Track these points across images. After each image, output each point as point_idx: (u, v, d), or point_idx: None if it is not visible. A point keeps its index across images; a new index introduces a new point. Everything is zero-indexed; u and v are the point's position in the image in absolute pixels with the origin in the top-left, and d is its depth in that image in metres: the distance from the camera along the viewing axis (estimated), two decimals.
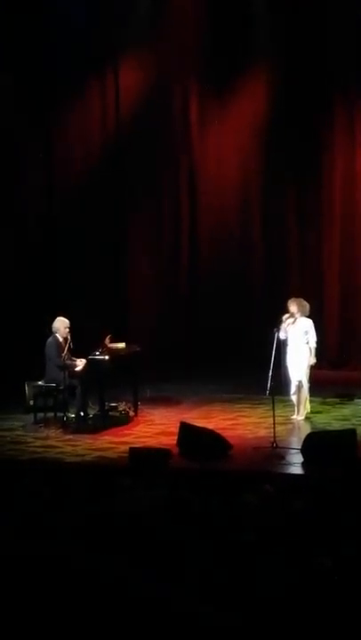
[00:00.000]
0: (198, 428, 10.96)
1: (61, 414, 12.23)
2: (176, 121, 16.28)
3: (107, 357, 12.18)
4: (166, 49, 15.73)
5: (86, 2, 15.17)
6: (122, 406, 12.69)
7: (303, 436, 10.49)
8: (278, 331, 11.40)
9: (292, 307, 11.84)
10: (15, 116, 15.22)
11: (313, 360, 11.95)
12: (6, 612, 4.15)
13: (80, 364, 12.16)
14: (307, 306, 11.99)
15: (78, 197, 15.78)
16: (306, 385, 11.95)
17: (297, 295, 12.19)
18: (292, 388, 11.94)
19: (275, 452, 10.34)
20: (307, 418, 12.04)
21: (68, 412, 12.20)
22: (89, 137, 16.21)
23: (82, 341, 12.33)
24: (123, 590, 4.10)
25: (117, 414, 12.52)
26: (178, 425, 10.97)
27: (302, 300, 12.01)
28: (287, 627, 4.16)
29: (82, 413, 12.15)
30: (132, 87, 16.01)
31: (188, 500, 6.67)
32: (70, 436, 11.65)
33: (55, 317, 12.40)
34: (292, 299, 12.00)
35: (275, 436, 10.54)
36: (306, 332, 11.88)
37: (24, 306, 14.95)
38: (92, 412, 12.30)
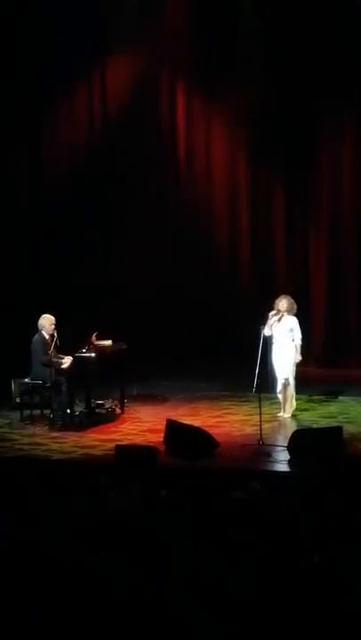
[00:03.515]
0: (185, 425, 10.98)
1: (48, 411, 12.23)
2: (163, 119, 16.27)
3: (93, 355, 12.18)
4: (153, 47, 15.71)
5: (73, 0, 15.12)
6: (108, 404, 12.70)
7: (289, 434, 10.51)
8: (264, 328, 11.44)
9: (282, 303, 11.85)
10: (3, 116, 15.20)
11: (298, 357, 11.97)
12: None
13: (67, 361, 12.15)
14: (295, 304, 12.01)
15: (67, 195, 15.77)
16: (292, 382, 11.97)
17: (284, 293, 12.20)
18: (279, 386, 11.96)
19: (261, 450, 10.37)
20: (293, 415, 12.07)
21: (54, 409, 12.19)
22: (77, 135, 16.17)
23: (69, 339, 12.32)
24: (116, 589, 4.11)
25: (104, 412, 12.54)
26: (165, 422, 10.98)
27: (291, 297, 12.03)
28: (277, 624, 4.18)
29: (68, 411, 12.14)
30: (119, 85, 15.99)
31: (175, 497, 6.68)
32: (57, 434, 11.64)
33: (42, 314, 12.38)
34: (283, 295, 12.02)
35: (261, 434, 10.58)
36: (291, 330, 11.90)
37: (11, 303, 14.92)
38: (78, 410, 12.29)
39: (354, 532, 6.20)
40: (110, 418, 12.40)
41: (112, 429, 11.86)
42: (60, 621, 4.03)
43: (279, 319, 11.81)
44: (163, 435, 10.81)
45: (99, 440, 11.20)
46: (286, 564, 4.77)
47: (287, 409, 12.06)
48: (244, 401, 12.72)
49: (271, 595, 4.37)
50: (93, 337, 12.44)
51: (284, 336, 11.86)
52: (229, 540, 5.16)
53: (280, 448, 10.38)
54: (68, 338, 12.25)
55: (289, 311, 11.90)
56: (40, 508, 6.10)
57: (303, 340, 12.03)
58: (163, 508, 6.16)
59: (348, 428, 10.86)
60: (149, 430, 11.58)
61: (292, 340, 11.91)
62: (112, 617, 3.97)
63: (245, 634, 4.02)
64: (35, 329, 12.29)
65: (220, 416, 12.34)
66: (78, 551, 4.73)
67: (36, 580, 4.24)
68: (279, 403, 12.10)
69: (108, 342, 12.75)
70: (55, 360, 12.12)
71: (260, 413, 10.81)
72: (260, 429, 10.63)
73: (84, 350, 12.18)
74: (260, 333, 11.24)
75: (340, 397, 13.07)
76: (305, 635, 4.10)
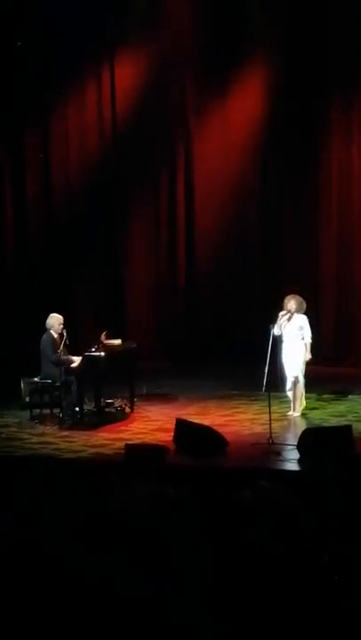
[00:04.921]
0: (194, 424, 10.96)
1: (57, 410, 12.23)
2: (173, 117, 16.26)
3: (103, 354, 12.16)
4: (163, 45, 15.72)
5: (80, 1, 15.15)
6: (118, 403, 12.69)
7: (299, 433, 10.49)
8: (273, 327, 11.41)
9: (291, 303, 11.83)
10: (13, 113, 15.24)
11: (308, 356, 11.95)
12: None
13: (76, 360, 12.15)
14: (304, 303, 11.98)
15: (76, 196, 15.79)
16: (302, 381, 11.95)
17: (294, 292, 12.17)
18: (288, 385, 11.94)
19: (271, 449, 10.34)
20: (303, 414, 12.04)
21: (64, 408, 12.19)
22: (86, 136, 16.19)
23: (78, 338, 12.32)
24: (118, 590, 4.10)
25: (113, 411, 12.53)
26: (174, 421, 10.97)
27: (300, 297, 12.00)
28: (285, 623, 4.16)
29: (78, 410, 12.14)
30: (129, 83, 15.99)
31: (185, 496, 6.66)
32: (66, 433, 11.64)
33: (50, 314, 12.39)
34: (291, 295, 11.98)
35: (271, 433, 10.54)
36: (301, 328, 11.88)
37: (21, 302, 14.95)
38: (87, 409, 12.29)
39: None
40: (120, 417, 12.39)
41: (122, 428, 11.85)
42: (60, 621, 4.02)
43: (289, 319, 11.79)
44: (172, 434, 10.79)
45: (108, 439, 11.19)
46: (288, 564, 4.75)
47: (297, 407, 12.03)
48: (253, 400, 12.69)
49: (271, 595, 4.34)
50: (103, 336, 12.43)
51: (293, 335, 11.83)
52: (233, 540, 5.14)
53: (290, 447, 10.35)
54: (71, 337, 12.25)
55: (299, 310, 11.87)
56: (41, 508, 6.08)
57: (313, 338, 12.00)
58: (169, 507, 6.14)
59: (358, 427, 10.83)
60: (159, 429, 11.57)
61: (302, 339, 11.88)
62: (112, 617, 3.96)
63: (245, 634, 4.00)
64: (42, 328, 12.29)
65: (229, 415, 12.32)
66: (78, 551, 4.71)
67: (36, 580, 4.23)
68: (289, 401, 12.08)
69: (118, 341, 12.75)
70: (65, 359, 12.12)
71: (270, 412, 10.78)
72: (270, 428, 10.60)
73: (93, 349, 12.17)
74: (270, 332, 11.21)
75: (349, 396, 13.04)
76: (305, 635, 4.08)
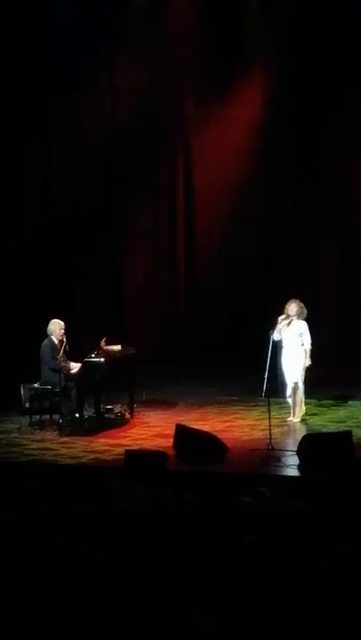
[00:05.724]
0: (194, 430, 10.96)
1: (57, 416, 12.23)
2: (172, 122, 16.29)
3: (102, 360, 12.16)
4: (162, 47, 15.78)
5: (83, 2, 15.22)
6: (118, 408, 12.69)
7: (299, 438, 10.49)
8: (273, 333, 11.41)
9: (292, 308, 11.82)
10: (13, 117, 15.28)
11: (308, 362, 11.94)
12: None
13: (75, 366, 12.15)
14: (305, 309, 11.96)
15: (76, 198, 15.82)
16: (301, 387, 11.94)
17: (294, 297, 12.16)
18: (288, 390, 11.93)
19: (271, 455, 10.33)
20: (302, 420, 12.03)
21: (64, 414, 12.19)
22: (86, 138, 16.22)
23: (78, 343, 12.33)
24: (119, 590, 4.10)
25: (113, 416, 12.53)
26: (174, 427, 10.96)
27: (301, 302, 11.99)
28: (285, 623, 4.16)
29: (77, 416, 12.13)
30: (128, 88, 16.03)
31: (185, 502, 6.66)
32: (66, 439, 11.63)
33: (50, 319, 12.39)
34: (292, 300, 11.97)
35: (271, 438, 10.54)
36: (301, 334, 11.87)
37: (20, 308, 14.96)
38: (87, 415, 12.28)
39: None
40: (119, 423, 12.39)
41: (121, 434, 11.85)
42: (60, 621, 4.01)
43: (289, 324, 11.78)
44: (172, 440, 10.78)
45: (108, 445, 11.19)
46: (290, 566, 4.75)
47: (297, 413, 12.02)
48: (253, 405, 12.68)
49: (271, 595, 4.34)
50: (102, 342, 12.44)
51: (293, 341, 11.82)
52: (234, 543, 5.15)
53: (290, 453, 10.34)
54: (71, 341, 12.26)
55: (299, 315, 11.87)
56: (41, 509, 6.09)
57: (313, 344, 11.98)
58: (169, 509, 6.15)
59: (358, 433, 10.82)
60: (159, 435, 11.56)
61: (302, 345, 11.87)
62: (112, 617, 3.96)
63: (245, 634, 4.00)
64: (42, 332, 12.30)
65: (229, 421, 12.31)
66: (78, 551, 4.71)
67: (36, 580, 4.23)
68: (289, 407, 12.07)
69: (117, 347, 12.75)
70: (64, 365, 12.11)
71: (270, 418, 10.78)
72: (270, 434, 10.60)
73: (93, 355, 12.17)
74: (270, 338, 11.21)
75: (349, 402, 13.03)
76: (305, 635, 4.08)
